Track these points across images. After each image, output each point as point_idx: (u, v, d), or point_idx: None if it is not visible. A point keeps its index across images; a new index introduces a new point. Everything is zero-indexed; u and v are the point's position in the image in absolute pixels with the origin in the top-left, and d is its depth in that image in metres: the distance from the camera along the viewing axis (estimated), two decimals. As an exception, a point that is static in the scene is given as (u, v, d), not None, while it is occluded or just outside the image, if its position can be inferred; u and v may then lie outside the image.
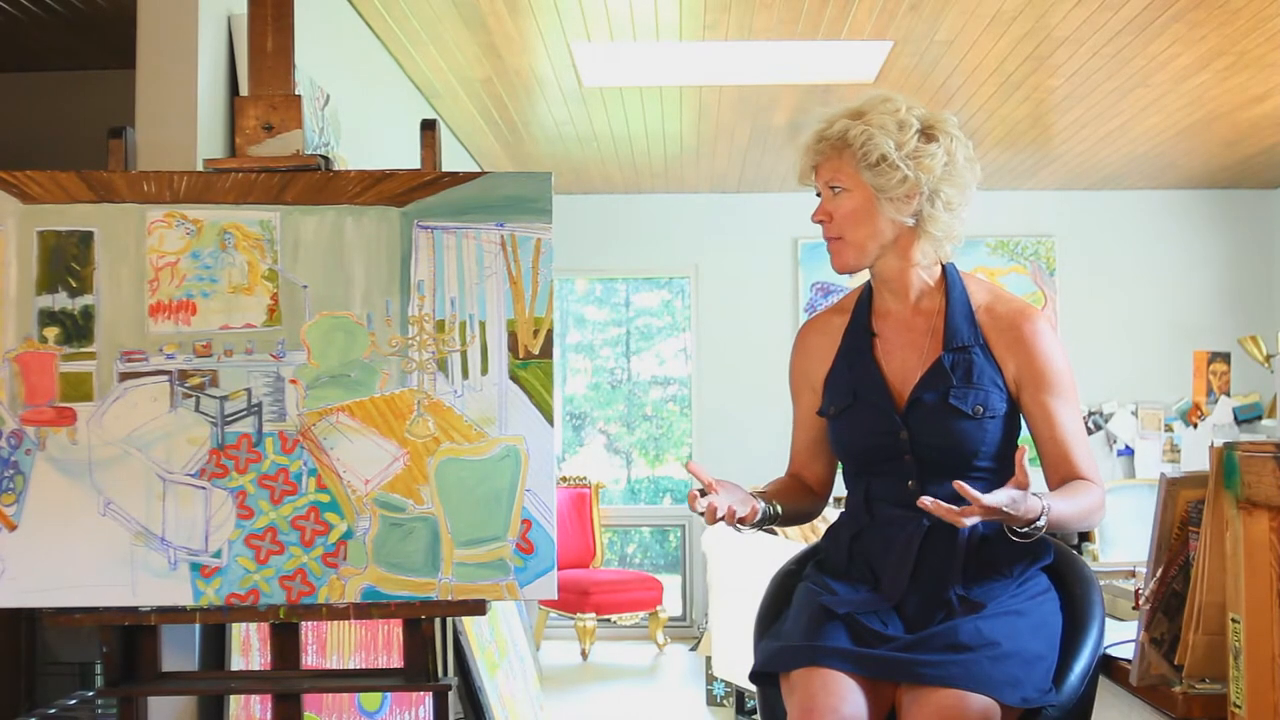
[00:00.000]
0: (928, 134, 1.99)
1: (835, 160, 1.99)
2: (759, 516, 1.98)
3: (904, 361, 2.05)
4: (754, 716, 4.92)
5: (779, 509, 2.04)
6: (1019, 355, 2.01)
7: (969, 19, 4.22)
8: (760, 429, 6.88)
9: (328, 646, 3.02)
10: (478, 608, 2.36)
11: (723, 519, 1.88)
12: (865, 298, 2.14)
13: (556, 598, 2.41)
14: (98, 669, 3.94)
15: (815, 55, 4.61)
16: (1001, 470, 2.01)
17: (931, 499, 1.76)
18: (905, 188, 1.97)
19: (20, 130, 4.50)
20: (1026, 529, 1.83)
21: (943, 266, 2.08)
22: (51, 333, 2.33)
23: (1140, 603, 1.86)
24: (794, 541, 4.70)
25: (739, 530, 1.97)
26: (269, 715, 2.55)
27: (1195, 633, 1.74)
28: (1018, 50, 4.55)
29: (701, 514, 1.87)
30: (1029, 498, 1.79)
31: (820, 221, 2.03)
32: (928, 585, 1.95)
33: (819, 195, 2.05)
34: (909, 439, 1.99)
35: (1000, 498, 1.75)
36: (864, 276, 2.15)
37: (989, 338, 2.03)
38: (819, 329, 2.18)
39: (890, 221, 1.99)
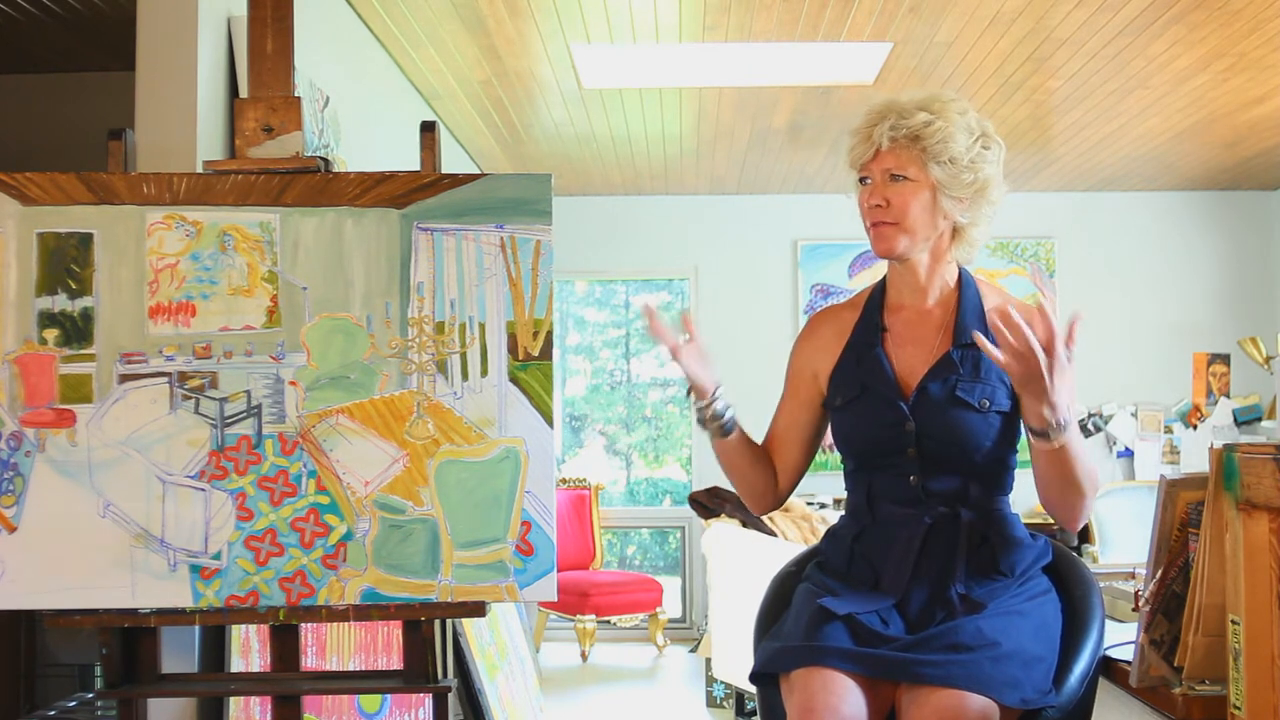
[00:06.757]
0: (985, 140, 2.02)
1: (905, 150, 1.98)
2: (711, 402, 2.08)
3: (913, 355, 2.06)
4: (754, 718, 4.91)
5: (737, 424, 2.13)
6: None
7: (969, 20, 4.22)
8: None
9: (327, 648, 3.02)
10: (477, 609, 2.36)
11: (669, 349, 2.04)
12: (877, 296, 2.15)
13: (556, 599, 2.41)
14: (97, 671, 3.94)
15: (815, 57, 4.61)
16: (1000, 470, 2.02)
17: (979, 335, 1.80)
18: (965, 189, 2.00)
19: (20, 132, 4.50)
20: (1047, 428, 1.80)
21: (959, 269, 2.11)
22: (51, 334, 2.33)
23: (1140, 604, 1.86)
24: (794, 543, 4.70)
25: (696, 405, 2.10)
26: (269, 717, 2.55)
27: (1195, 634, 1.74)
28: (1017, 52, 4.55)
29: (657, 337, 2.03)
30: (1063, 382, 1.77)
31: (876, 205, 2.01)
32: (929, 583, 1.95)
33: (862, 181, 2.04)
34: (914, 431, 1.99)
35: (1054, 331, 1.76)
36: (877, 274, 2.15)
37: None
38: (829, 320, 2.19)
39: (944, 218, 2.02)
